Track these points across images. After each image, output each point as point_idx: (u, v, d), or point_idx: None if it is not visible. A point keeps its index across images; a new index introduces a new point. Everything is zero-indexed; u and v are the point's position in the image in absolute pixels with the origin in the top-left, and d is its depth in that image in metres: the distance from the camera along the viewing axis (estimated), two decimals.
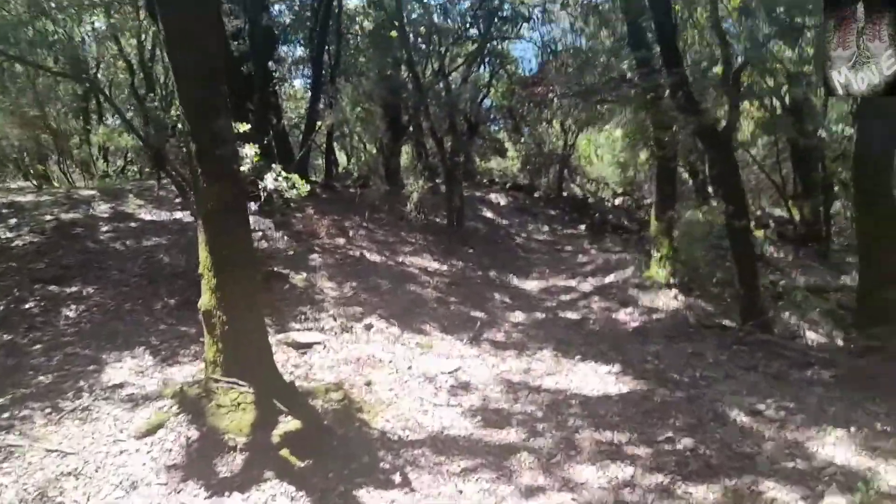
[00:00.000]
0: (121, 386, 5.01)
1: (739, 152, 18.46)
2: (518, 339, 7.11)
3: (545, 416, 5.02)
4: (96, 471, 3.84)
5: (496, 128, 23.80)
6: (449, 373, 5.92)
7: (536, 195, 18.25)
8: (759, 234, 14.29)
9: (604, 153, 26.40)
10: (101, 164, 13.79)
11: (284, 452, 3.93)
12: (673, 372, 5.91)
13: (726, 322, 7.26)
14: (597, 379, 5.86)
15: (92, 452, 4.03)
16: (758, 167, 17.48)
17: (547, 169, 20.49)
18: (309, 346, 6.17)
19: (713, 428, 4.70)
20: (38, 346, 5.62)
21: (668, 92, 7.00)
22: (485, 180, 20.75)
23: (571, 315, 8.04)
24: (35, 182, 11.56)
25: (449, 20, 14.21)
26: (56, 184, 12.23)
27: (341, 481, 3.90)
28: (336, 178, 15.29)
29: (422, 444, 4.47)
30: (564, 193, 18.57)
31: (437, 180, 13.58)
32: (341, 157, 19.49)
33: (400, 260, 9.78)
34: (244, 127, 6.18)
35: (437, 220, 12.38)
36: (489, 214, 15.14)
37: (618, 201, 17.78)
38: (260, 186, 6.91)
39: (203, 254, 4.38)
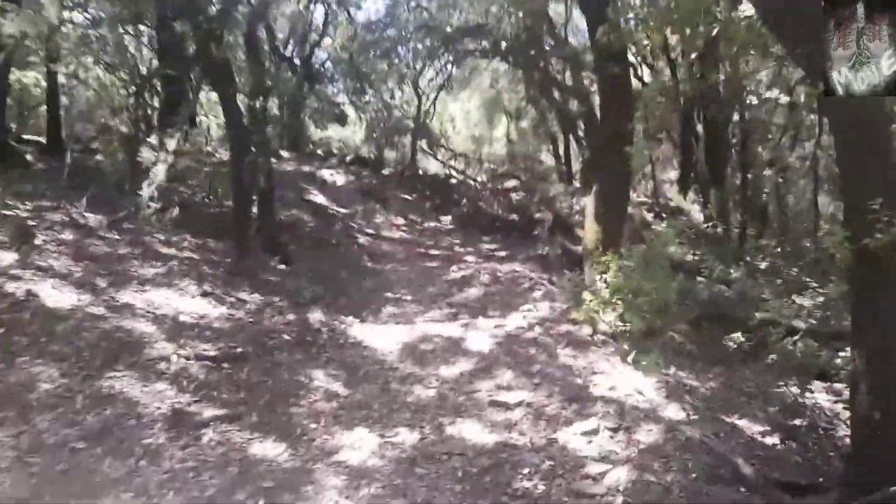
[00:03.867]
0: None
1: None
2: None
3: None
4: None
5: (335, 89, 18.85)
6: None
7: (385, 172, 13.76)
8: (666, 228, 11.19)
9: (459, 125, 22.69)
10: None
11: None
12: None
13: (801, 460, 3.41)
14: None
15: None
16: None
17: (398, 140, 16.08)
18: None
19: None
20: None
21: None
22: (319, 151, 15.84)
23: (474, 438, 3.71)
24: None
25: None
26: None
27: None
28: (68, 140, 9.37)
29: None
30: (421, 171, 14.30)
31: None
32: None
33: (125, 301, 4.73)
34: None
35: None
36: (320, 199, 10.33)
37: (488, 182, 13.77)
38: None
39: None
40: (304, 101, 15.66)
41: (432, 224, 10.65)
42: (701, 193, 13.43)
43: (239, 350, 4.42)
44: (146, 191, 5.59)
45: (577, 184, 16.54)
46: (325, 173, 11.86)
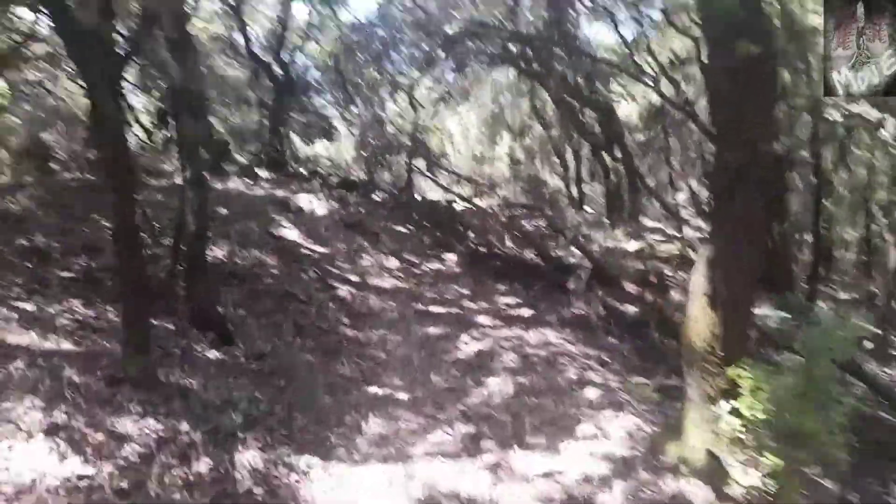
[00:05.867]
0: None
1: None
2: None
3: None
4: None
5: (322, 101, 16.71)
6: None
7: (377, 198, 11.57)
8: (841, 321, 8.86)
9: (458, 143, 20.75)
10: None
11: None
12: None
13: None
14: None
15: None
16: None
17: (391, 159, 13.87)
18: None
19: None
20: None
21: None
22: (302, 170, 13.63)
23: None
24: None
25: None
26: None
27: None
28: None
29: None
30: (418, 197, 12.10)
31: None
32: None
33: None
34: None
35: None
36: (293, 234, 8.06)
37: (498, 211, 11.52)
38: None
39: None
40: (283, 112, 13.54)
41: (433, 266, 8.41)
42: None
43: None
44: None
45: (589, 210, 14.46)
46: (303, 199, 9.61)
